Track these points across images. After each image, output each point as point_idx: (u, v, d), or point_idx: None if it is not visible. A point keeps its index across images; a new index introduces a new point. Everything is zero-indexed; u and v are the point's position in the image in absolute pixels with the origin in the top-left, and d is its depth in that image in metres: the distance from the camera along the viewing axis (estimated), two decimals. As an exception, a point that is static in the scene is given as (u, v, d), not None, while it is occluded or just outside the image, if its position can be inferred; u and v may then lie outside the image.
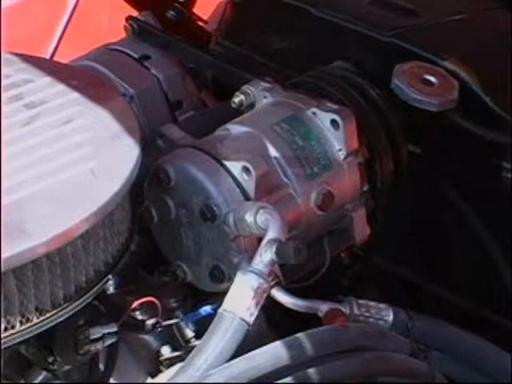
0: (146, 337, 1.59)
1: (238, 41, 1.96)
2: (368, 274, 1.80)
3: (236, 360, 1.40)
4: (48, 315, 1.38)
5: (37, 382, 1.46)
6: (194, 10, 2.10)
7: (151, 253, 1.63)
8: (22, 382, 1.47)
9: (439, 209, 1.81)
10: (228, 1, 2.09)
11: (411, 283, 1.83)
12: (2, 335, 1.35)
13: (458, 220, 1.80)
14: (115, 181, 1.43)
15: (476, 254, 1.80)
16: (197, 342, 1.53)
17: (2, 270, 1.31)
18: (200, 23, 2.07)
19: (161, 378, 1.57)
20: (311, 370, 1.43)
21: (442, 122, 1.71)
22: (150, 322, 1.56)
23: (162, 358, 1.59)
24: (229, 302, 1.42)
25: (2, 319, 1.35)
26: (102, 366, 1.55)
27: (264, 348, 1.42)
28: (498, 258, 1.78)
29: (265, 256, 1.43)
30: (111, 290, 1.58)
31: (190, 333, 1.59)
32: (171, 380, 1.43)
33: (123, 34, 1.90)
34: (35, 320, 1.37)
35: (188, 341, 1.59)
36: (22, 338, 1.37)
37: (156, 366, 1.60)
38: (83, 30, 2.07)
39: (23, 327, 1.36)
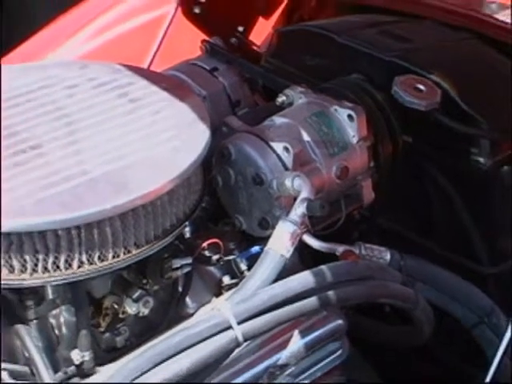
0: (212, 268, 1.58)
1: (281, 59, 1.94)
2: (372, 228, 1.79)
3: (276, 284, 1.40)
4: (143, 249, 1.39)
5: (134, 297, 1.45)
6: (250, 38, 2.09)
7: (216, 209, 1.63)
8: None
9: (425, 182, 1.79)
10: (274, 31, 2.09)
11: (403, 236, 1.81)
12: (110, 262, 1.36)
13: (439, 191, 1.78)
14: (192, 155, 1.44)
15: (452, 216, 1.79)
16: (248, 273, 1.50)
17: (111, 215, 1.33)
18: (253, 47, 2.06)
19: (222, 297, 1.54)
20: (330, 292, 1.43)
21: (428, 119, 1.69)
22: (215, 257, 1.56)
23: (223, 284, 1.57)
24: (272, 243, 1.42)
25: (111, 249, 1.36)
26: (180, 288, 1.54)
27: (296, 275, 1.42)
28: (468, 220, 1.77)
29: (299, 210, 1.44)
30: (187, 234, 1.56)
31: (243, 266, 1.57)
32: (230, 297, 1.42)
33: (199, 53, 1.90)
34: (134, 252, 1.38)
35: (242, 272, 1.57)
36: (124, 265, 1.38)
37: (219, 290, 1.58)
38: (170, 49, 2.06)
39: (125, 257, 1.37)
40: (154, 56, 2.07)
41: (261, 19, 2.12)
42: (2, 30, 3.82)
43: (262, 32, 2.16)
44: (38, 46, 2.38)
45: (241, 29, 2.04)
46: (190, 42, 1.99)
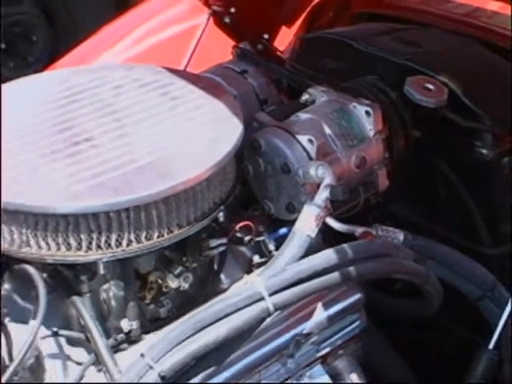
0: (243, 248, 1.57)
1: (303, 63, 1.94)
2: (385, 213, 1.77)
3: (303, 260, 1.41)
4: (184, 229, 1.39)
5: (176, 273, 1.45)
6: (274, 44, 2.08)
7: (246, 196, 1.62)
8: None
9: (433, 172, 1.79)
10: (297, 38, 2.10)
11: (412, 220, 1.80)
12: (155, 241, 1.36)
13: (444, 180, 1.78)
14: (227, 146, 1.44)
15: (457, 202, 1.78)
16: (275, 253, 1.52)
17: (156, 199, 1.34)
18: (277, 52, 2.04)
19: (255, 273, 1.54)
20: (351, 268, 1.44)
21: (437, 115, 1.69)
22: (247, 238, 1.55)
23: (253, 263, 1.57)
24: (299, 224, 1.43)
25: (156, 230, 1.36)
26: (215, 266, 1.53)
27: (320, 253, 1.42)
28: (471, 206, 1.77)
29: (322, 195, 1.44)
30: (221, 218, 1.55)
31: (271, 246, 1.57)
32: (261, 272, 1.44)
33: (229, 58, 1.90)
34: (176, 232, 1.38)
35: (270, 252, 1.56)
36: (168, 244, 1.39)
37: (249, 267, 1.57)
38: (203, 55, 2.06)
39: (169, 236, 1.38)
40: (188, 60, 2.07)
41: (284, 28, 2.12)
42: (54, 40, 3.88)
43: (284, 39, 2.16)
44: (86, 52, 2.39)
45: (266, 36, 2.03)
46: (221, 48, 1.99)
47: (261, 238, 1.57)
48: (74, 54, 2.38)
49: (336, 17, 2.18)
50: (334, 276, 1.42)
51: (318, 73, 1.88)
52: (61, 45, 3.79)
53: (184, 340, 1.31)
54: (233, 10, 1.99)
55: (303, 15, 2.16)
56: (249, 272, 1.57)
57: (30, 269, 1.35)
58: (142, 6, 2.68)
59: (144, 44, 2.40)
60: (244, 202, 1.63)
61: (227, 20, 2.00)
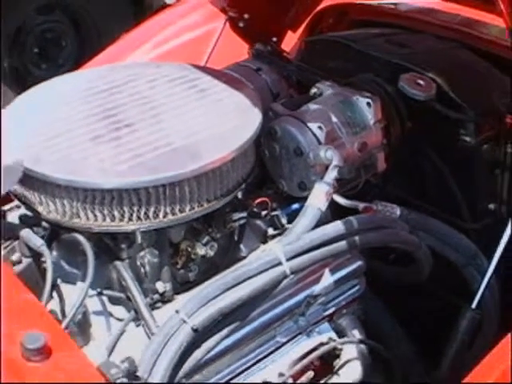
0: (260, 222, 1.56)
1: (308, 62, 1.92)
2: (382, 191, 1.76)
3: (315, 230, 1.42)
4: (212, 203, 1.41)
5: (203, 242, 1.46)
6: (281, 46, 2.08)
7: (262, 177, 1.61)
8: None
9: (422, 157, 1.78)
10: (302, 40, 2.09)
11: (404, 198, 1.76)
12: (187, 213, 1.38)
13: (432, 164, 1.78)
14: (248, 132, 1.46)
15: (442, 183, 1.78)
16: (288, 226, 1.53)
17: (189, 177, 1.35)
18: (284, 53, 2.03)
19: (273, 241, 1.53)
20: (356, 237, 1.45)
21: (426, 107, 1.69)
22: (263, 213, 1.56)
23: (268, 235, 1.57)
24: (311, 199, 1.45)
25: (188, 203, 1.37)
26: (236, 237, 1.54)
27: (330, 224, 1.44)
28: (455, 186, 1.76)
29: (331, 174, 1.46)
30: (239, 195, 1.54)
31: (284, 220, 1.57)
32: (279, 240, 1.45)
33: (243, 57, 1.89)
34: (205, 205, 1.40)
35: (283, 225, 1.56)
36: (198, 215, 1.40)
37: (265, 239, 1.56)
38: (220, 55, 2.06)
39: (199, 209, 1.40)
40: (207, 60, 2.06)
41: (289, 32, 2.11)
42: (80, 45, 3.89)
43: (290, 42, 2.14)
44: (112, 55, 2.39)
45: (274, 39, 2.02)
46: (235, 49, 1.99)
47: (275, 213, 1.58)
48: (101, 57, 2.37)
49: (335, 23, 2.16)
50: (342, 244, 1.43)
51: (321, 71, 1.86)
52: (86, 49, 3.82)
53: (213, 299, 1.32)
54: (246, 15, 1.98)
55: (306, 21, 2.14)
56: (264, 243, 1.57)
57: (80, 237, 1.36)
58: (162, 14, 2.66)
59: (164, 47, 2.39)
60: (259, 182, 1.63)
61: (241, 24, 1.99)
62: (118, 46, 2.55)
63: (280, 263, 1.37)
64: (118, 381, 1.13)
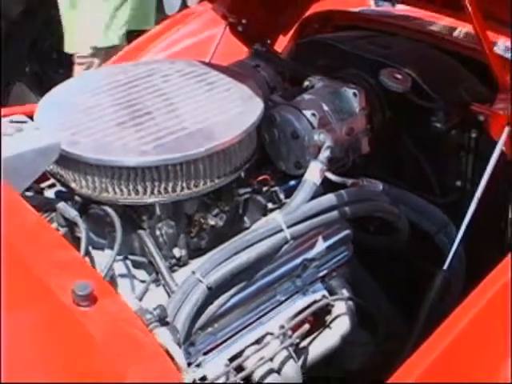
0: (260, 197, 1.57)
1: (300, 61, 1.92)
2: (366, 171, 1.76)
3: (311, 202, 1.44)
4: (222, 179, 1.42)
5: (214, 213, 1.47)
6: (274, 47, 2.07)
7: (260, 158, 1.59)
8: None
9: (399, 141, 1.79)
10: (293, 42, 2.09)
11: (382, 178, 1.72)
12: (201, 188, 1.38)
13: (407, 149, 1.78)
14: (252, 117, 1.47)
15: (417, 164, 1.77)
16: (285, 201, 1.53)
17: (203, 155, 1.36)
18: (277, 54, 2.04)
19: (274, 212, 1.52)
20: (346, 208, 1.47)
21: (403, 98, 1.69)
22: (264, 189, 1.56)
23: (267, 208, 1.58)
24: (308, 175, 1.47)
25: (202, 179, 1.38)
26: (240, 210, 1.54)
27: (323, 197, 1.46)
28: (427, 166, 1.77)
29: (325, 153, 1.48)
30: (242, 174, 1.53)
31: (282, 196, 1.57)
32: (280, 210, 1.46)
33: (242, 57, 1.89)
34: (216, 181, 1.42)
35: (281, 200, 1.57)
36: (210, 190, 1.42)
37: (264, 212, 1.57)
38: (221, 56, 2.07)
39: (211, 184, 1.41)
40: (210, 59, 2.06)
41: (281, 36, 2.12)
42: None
43: (281, 44, 2.14)
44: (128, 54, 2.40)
45: (268, 41, 2.02)
46: (235, 49, 2.00)
47: (273, 189, 1.59)
48: (115, 59, 2.39)
49: (320, 28, 2.16)
50: (335, 214, 1.45)
51: (310, 68, 1.86)
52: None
53: (224, 261, 1.34)
54: (244, 21, 1.99)
55: (295, 26, 2.15)
56: (264, 215, 1.58)
57: (109, 209, 1.38)
58: (166, 22, 2.67)
59: (173, 49, 2.39)
60: (257, 164, 1.62)
61: (240, 29, 2.00)
62: (130, 49, 2.56)
63: (282, 230, 1.39)
64: (151, 325, 1.15)
